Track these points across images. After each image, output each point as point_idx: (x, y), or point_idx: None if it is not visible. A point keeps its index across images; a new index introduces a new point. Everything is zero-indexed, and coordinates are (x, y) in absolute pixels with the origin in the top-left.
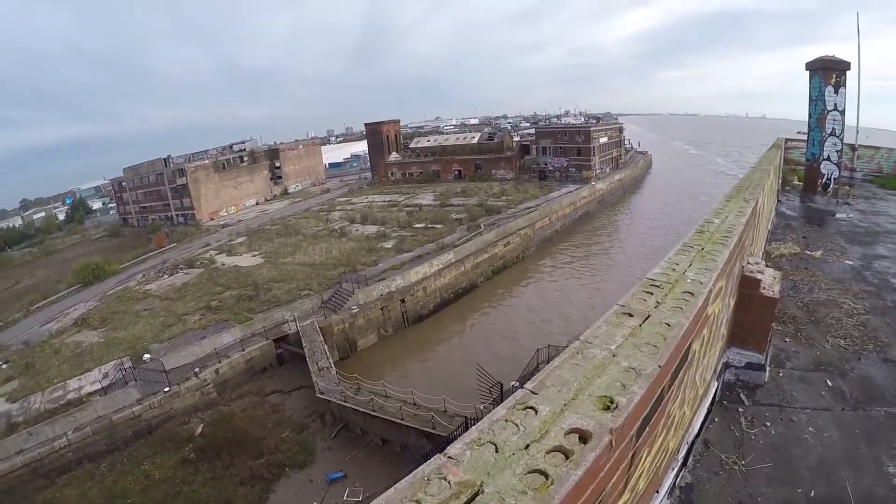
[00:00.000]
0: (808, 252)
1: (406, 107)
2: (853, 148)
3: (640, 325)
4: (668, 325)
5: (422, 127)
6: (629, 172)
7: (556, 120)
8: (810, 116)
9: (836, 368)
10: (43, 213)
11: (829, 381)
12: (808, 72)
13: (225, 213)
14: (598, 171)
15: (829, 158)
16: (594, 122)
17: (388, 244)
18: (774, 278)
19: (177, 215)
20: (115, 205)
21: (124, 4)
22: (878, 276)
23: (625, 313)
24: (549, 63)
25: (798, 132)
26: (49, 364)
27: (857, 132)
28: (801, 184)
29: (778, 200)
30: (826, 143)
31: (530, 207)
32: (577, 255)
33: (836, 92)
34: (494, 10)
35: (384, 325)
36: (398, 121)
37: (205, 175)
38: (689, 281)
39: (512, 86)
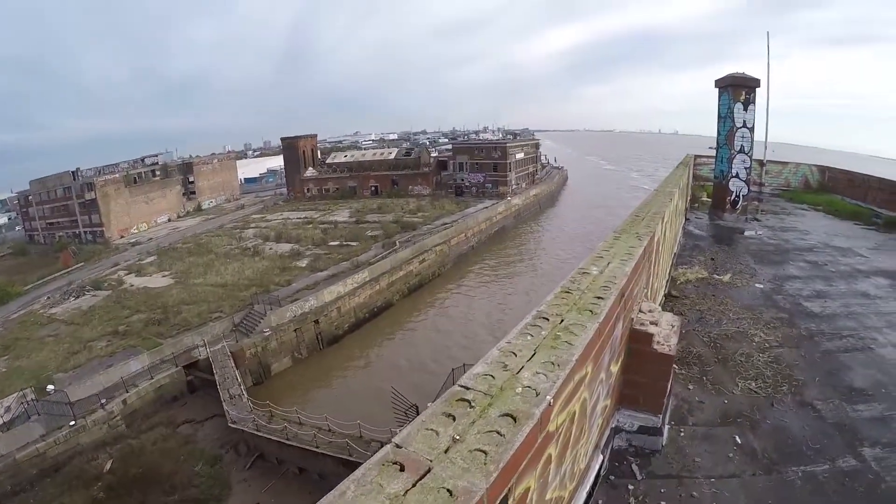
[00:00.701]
0: (717, 276)
1: (328, 121)
2: (761, 163)
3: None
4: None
5: (340, 142)
6: (545, 188)
7: (474, 136)
8: (719, 133)
9: (746, 420)
10: None
11: (738, 438)
12: (717, 89)
13: (136, 230)
14: (514, 187)
15: (737, 175)
16: (511, 137)
17: (303, 263)
18: (672, 327)
19: (85, 232)
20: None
21: (40, 7)
22: (789, 300)
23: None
24: (476, 78)
25: (709, 147)
26: None
27: (766, 148)
28: (709, 200)
29: (686, 219)
30: (735, 161)
31: (446, 224)
32: (491, 272)
33: (746, 109)
34: (421, 26)
35: (298, 347)
36: (315, 135)
37: (115, 189)
38: (517, 392)
39: (436, 101)
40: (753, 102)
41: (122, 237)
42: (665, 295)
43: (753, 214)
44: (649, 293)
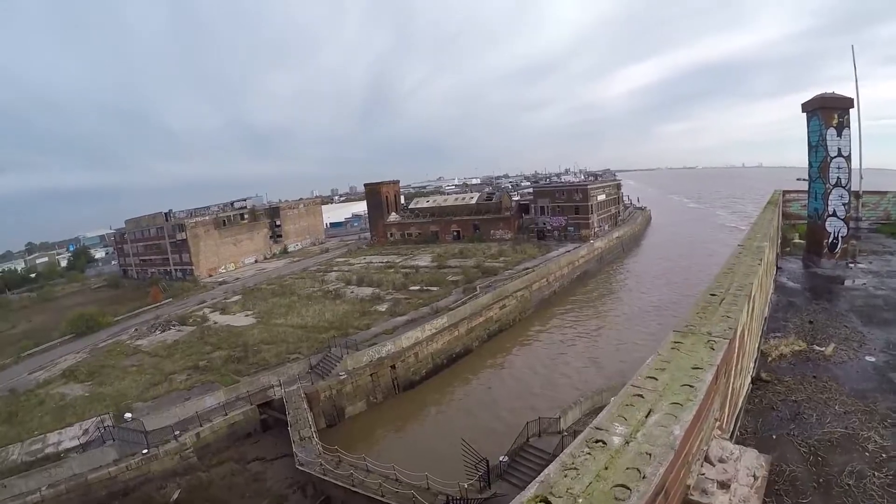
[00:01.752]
0: (817, 347)
1: (410, 167)
2: (857, 195)
3: None
4: None
5: (424, 187)
6: (628, 229)
7: (556, 178)
8: (811, 166)
9: None
10: (46, 259)
11: None
12: (805, 114)
13: (223, 270)
14: (596, 229)
15: (835, 214)
16: (593, 179)
17: (383, 307)
18: (755, 480)
19: (175, 270)
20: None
21: (141, 59)
22: None
23: None
24: (551, 121)
25: (798, 179)
26: (32, 414)
27: (861, 178)
28: (802, 241)
29: (777, 268)
30: (831, 196)
31: (528, 268)
32: (573, 318)
33: (840, 134)
34: (496, 71)
35: (373, 392)
36: (397, 181)
37: (204, 231)
38: None
39: (514, 145)
40: (848, 126)
41: (210, 276)
42: (753, 380)
43: (853, 257)
44: (725, 413)
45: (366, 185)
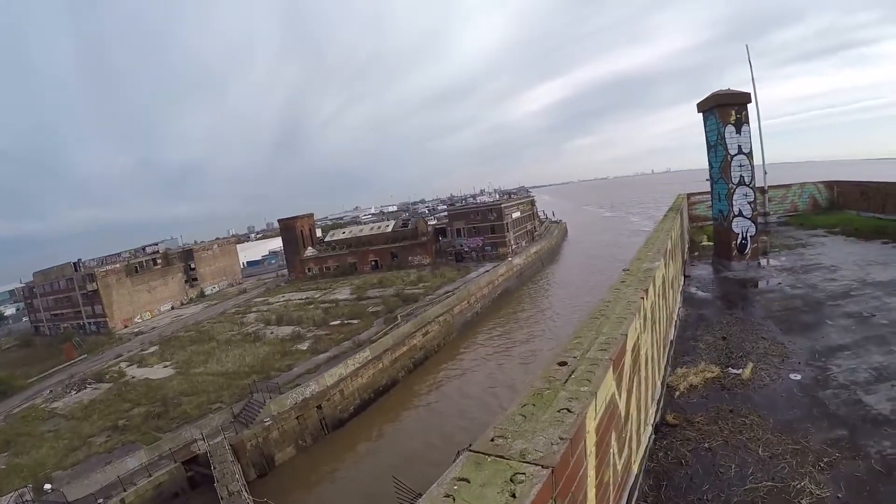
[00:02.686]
0: (732, 370)
1: (327, 199)
2: (763, 191)
3: None
4: None
5: (341, 218)
6: (545, 243)
7: (472, 199)
8: (711, 166)
9: None
10: None
11: None
12: (702, 114)
13: (139, 320)
14: (514, 247)
15: (741, 213)
16: (507, 197)
17: (304, 346)
18: None
19: (89, 323)
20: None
21: (40, 102)
22: (842, 398)
23: None
24: (466, 144)
25: (706, 179)
26: None
27: (766, 173)
28: (710, 244)
29: (685, 277)
30: (736, 196)
31: (448, 292)
32: (499, 337)
33: (739, 131)
34: (409, 99)
35: (301, 435)
36: (311, 215)
37: (116, 280)
38: None
39: (431, 170)
40: (747, 122)
41: (125, 327)
42: (654, 427)
43: (764, 254)
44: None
45: (279, 220)
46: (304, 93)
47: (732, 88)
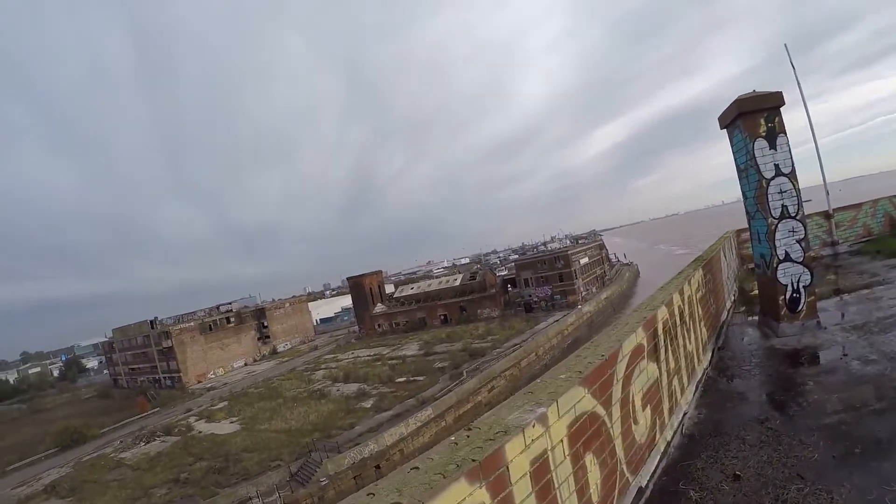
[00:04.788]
0: None
1: (399, 255)
2: (828, 215)
3: None
4: None
5: (415, 273)
6: (616, 288)
7: (542, 247)
8: (745, 197)
9: None
10: (38, 369)
11: None
12: (725, 130)
13: (213, 375)
14: (583, 294)
15: (789, 257)
16: (573, 243)
17: (368, 403)
18: None
19: (164, 377)
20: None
21: (129, 169)
22: None
23: None
24: (532, 192)
25: None
26: None
27: (828, 193)
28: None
29: (716, 349)
30: (779, 233)
31: (516, 345)
32: None
33: (774, 145)
34: (475, 149)
35: None
36: (380, 272)
37: (190, 337)
38: None
39: (499, 220)
40: (783, 132)
41: (199, 382)
42: None
43: (837, 292)
44: None
45: (348, 278)
46: (372, 149)
47: (758, 90)
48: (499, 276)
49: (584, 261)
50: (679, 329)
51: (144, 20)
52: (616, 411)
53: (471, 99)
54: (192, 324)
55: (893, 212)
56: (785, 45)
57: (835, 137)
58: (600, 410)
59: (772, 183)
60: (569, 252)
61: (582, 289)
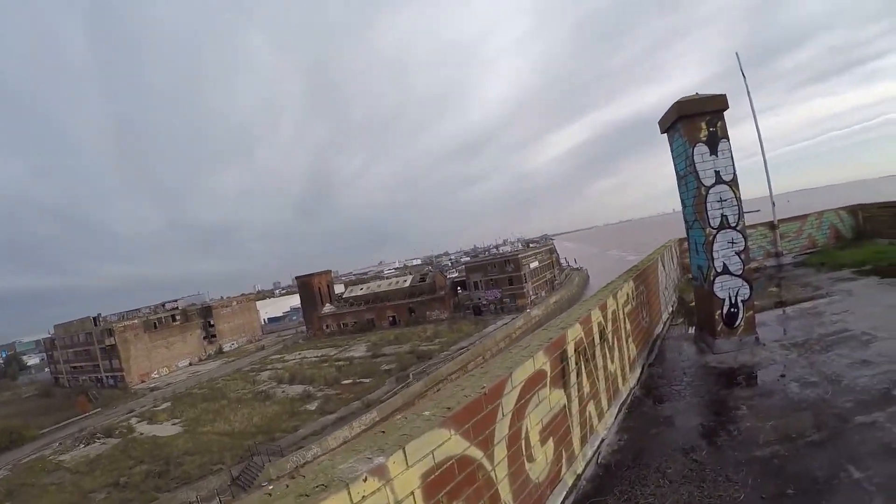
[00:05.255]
0: None
1: (353, 254)
2: (773, 226)
3: None
4: None
5: (365, 273)
6: (565, 292)
7: (494, 250)
8: (683, 205)
9: None
10: None
11: None
12: (665, 135)
13: (156, 375)
14: (533, 298)
15: (726, 270)
16: (523, 248)
17: (313, 405)
18: None
19: (107, 377)
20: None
21: (78, 161)
22: None
23: None
24: (488, 194)
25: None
26: None
27: (774, 204)
28: None
29: (646, 365)
30: (717, 244)
31: (463, 348)
32: None
33: (715, 151)
34: (434, 151)
35: None
36: (329, 272)
37: (134, 335)
38: None
39: (454, 222)
40: (725, 137)
41: (142, 382)
42: None
43: (780, 304)
44: None
45: (296, 278)
46: (331, 148)
47: (701, 93)
48: (449, 278)
49: (535, 265)
50: (598, 348)
51: (104, 7)
52: (500, 451)
53: (432, 100)
54: (136, 321)
55: (839, 224)
56: (736, 53)
57: (788, 150)
58: (475, 453)
59: (711, 191)
60: (519, 256)
61: (531, 293)
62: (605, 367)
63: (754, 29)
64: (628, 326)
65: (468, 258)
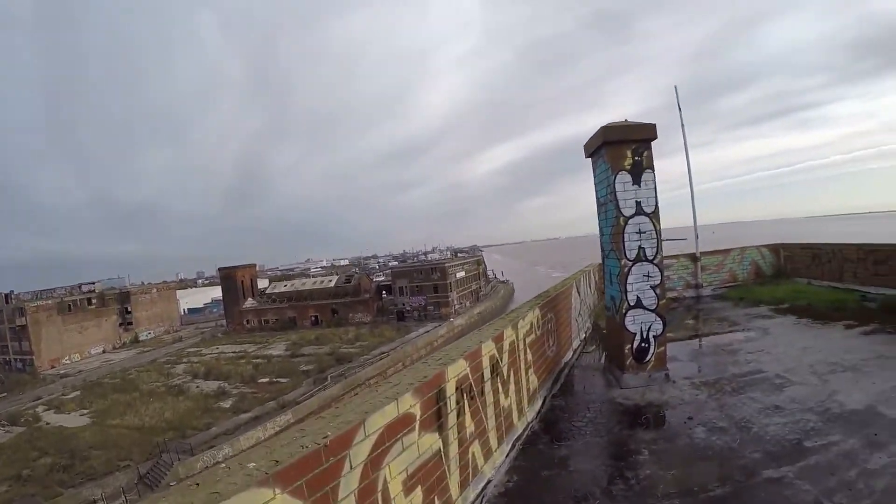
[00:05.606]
0: None
1: (282, 248)
2: (694, 258)
3: None
4: None
5: (292, 269)
6: (489, 304)
7: (423, 257)
8: (601, 233)
9: None
10: None
11: None
12: (589, 159)
13: (68, 361)
14: (457, 307)
15: (640, 303)
16: (453, 256)
17: (227, 403)
18: None
19: (15, 359)
20: None
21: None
22: None
23: None
24: (421, 201)
25: (661, 239)
26: None
27: (697, 236)
28: None
29: (548, 395)
30: (631, 277)
31: (384, 353)
32: None
33: (638, 181)
34: (370, 154)
35: None
36: (253, 265)
37: (47, 317)
38: None
39: (386, 225)
40: (650, 168)
41: (52, 367)
42: None
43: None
44: None
45: (219, 269)
46: (269, 138)
47: (631, 121)
48: (375, 281)
49: (461, 274)
50: (490, 383)
51: None
52: None
53: (377, 102)
54: (50, 302)
55: (760, 261)
56: (675, 87)
57: (718, 184)
58: None
59: (630, 221)
60: (446, 264)
61: (456, 302)
62: (498, 403)
63: (698, 70)
64: (529, 357)
65: (396, 262)
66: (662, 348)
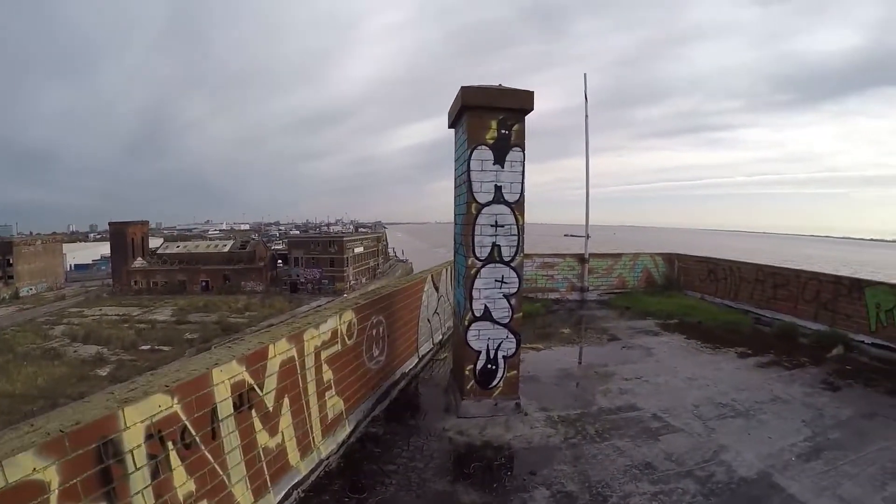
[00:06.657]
0: None
1: (182, 206)
2: (582, 259)
3: None
4: None
5: (190, 230)
6: (385, 282)
7: (326, 228)
8: (455, 222)
9: None
10: None
11: None
12: (453, 130)
13: None
14: (352, 282)
15: (488, 315)
16: (351, 231)
17: (104, 371)
18: None
19: None
20: None
21: None
22: None
23: None
24: (329, 172)
25: (566, 235)
26: None
27: (588, 237)
28: None
29: (357, 426)
30: (480, 280)
31: (272, 325)
32: None
33: (501, 160)
34: (281, 118)
35: None
36: (146, 222)
37: None
38: None
39: (292, 193)
40: (520, 146)
41: None
42: None
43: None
44: None
45: (110, 224)
46: (179, 87)
47: (505, 86)
48: (273, 250)
49: (359, 250)
50: (234, 420)
51: None
52: None
53: (295, 64)
54: None
55: (653, 269)
56: (584, 74)
57: (626, 188)
58: None
59: (485, 210)
60: (344, 238)
61: (352, 277)
62: (253, 445)
63: (620, 77)
64: (330, 375)
65: (298, 232)
66: (514, 372)
